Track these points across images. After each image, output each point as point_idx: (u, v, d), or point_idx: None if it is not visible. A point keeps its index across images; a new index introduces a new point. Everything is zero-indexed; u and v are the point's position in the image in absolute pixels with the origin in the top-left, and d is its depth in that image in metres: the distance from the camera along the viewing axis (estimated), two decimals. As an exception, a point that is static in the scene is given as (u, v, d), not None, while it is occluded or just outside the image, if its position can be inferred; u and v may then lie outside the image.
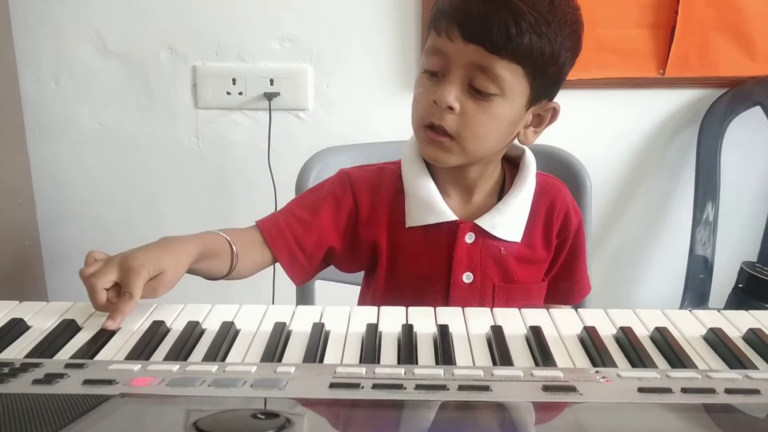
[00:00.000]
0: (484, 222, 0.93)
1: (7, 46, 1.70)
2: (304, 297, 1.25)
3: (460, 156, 0.87)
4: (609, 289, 1.88)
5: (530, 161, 0.97)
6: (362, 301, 1.08)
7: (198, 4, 1.69)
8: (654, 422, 0.50)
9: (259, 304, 0.80)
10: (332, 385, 0.54)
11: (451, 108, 0.83)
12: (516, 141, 0.93)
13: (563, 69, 0.85)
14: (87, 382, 0.54)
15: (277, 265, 0.96)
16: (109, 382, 0.54)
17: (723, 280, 1.69)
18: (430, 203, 0.93)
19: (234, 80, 1.73)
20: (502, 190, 0.97)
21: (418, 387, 0.54)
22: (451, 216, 0.93)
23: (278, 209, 1.00)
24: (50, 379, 0.54)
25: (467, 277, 0.95)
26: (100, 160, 1.82)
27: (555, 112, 0.91)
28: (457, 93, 0.83)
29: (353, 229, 0.97)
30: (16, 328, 0.71)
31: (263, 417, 0.46)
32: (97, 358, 0.66)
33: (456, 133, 0.85)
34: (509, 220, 0.94)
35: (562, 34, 0.81)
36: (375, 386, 0.54)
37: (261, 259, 0.93)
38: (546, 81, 0.85)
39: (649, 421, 0.50)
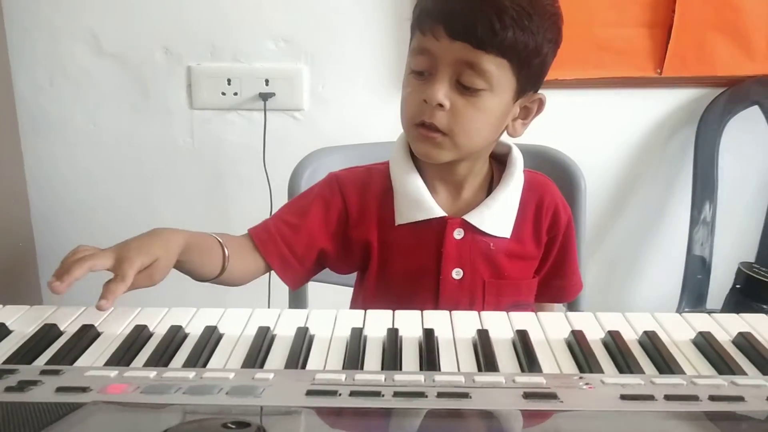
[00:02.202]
0: (473, 217, 0.93)
1: (1, 46, 1.69)
2: (298, 299, 1.25)
3: (453, 151, 0.88)
4: (605, 290, 1.87)
5: (517, 157, 0.97)
6: (354, 300, 1.08)
7: (193, 4, 1.68)
8: (632, 431, 0.49)
9: (244, 308, 0.79)
10: (309, 393, 0.53)
11: (441, 105, 0.84)
12: (505, 134, 0.94)
13: (546, 60, 0.87)
14: (60, 389, 0.53)
15: (272, 268, 0.96)
16: (83, 389, 0.53)
17: (721, 280, 1.68)
18: (419, 200, 0.93)
19: (229, 81, 1.72)
20: (490, 187, 0.97)
21: (396, 394, 0.53)
22: (439, 212, 0.93)
23: (269, 216, 0.99)
24: (23, 386, 0.53)
25: (456, 273, 0.95)
26: (94, 160, 1.81)
27: (541, 103, 0.92)
28: (446, 90, 0.84)
29: (344, 230, 0.97)
30: (-3, 332, 0.71)
31: (234, 426, 0.45)
32: (77, 363, 0.65)
33: (448, 129, 0.85)
34: (498, 216, 0.94)
35: (544, 27, 0.83)
36: (353, 393, 0.53)
37: (254, 265, 0.93)
38: (531, 73, 0.86)
39: (628, 429, 0.49)
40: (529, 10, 0.81)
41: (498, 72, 0.83)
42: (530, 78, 0.87)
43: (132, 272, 0.73)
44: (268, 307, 1.68)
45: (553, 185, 1.01)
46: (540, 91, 0.91)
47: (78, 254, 0.75)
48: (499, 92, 0.85)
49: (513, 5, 0.80)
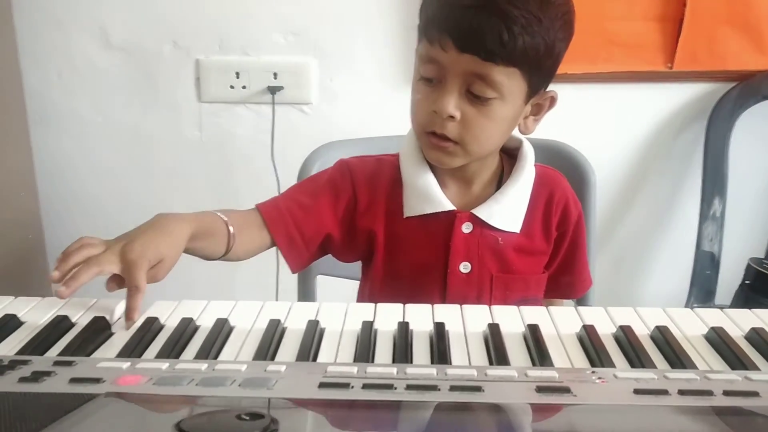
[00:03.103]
0: (481, 211, 0.93)
1: (11, 39, 1.69)
2: (306, 292, 1.25)
3: (465, 158, 0.88)
4: (615, 285, 1.86)
5: (528, 152, 0.96)
6: (361, 292, 1.08)
7: (201, -3, 1.68)
8: (647, 425, 0.49)
9: (255, 301, 0.79)
10: (322, 385, 0.53)
11: (452, 117, 0.83)
12: (516, 130, 0.93)
13: (558, 58, 0.86)
14: (74, 380, 0.53)
15: (281, 260, 0.95)
16: (96, 380, 0.53)
17: (730, 276, 1.67)
18: (428, 193, 0.93)
19: (237, 74, 1.72)
20: (500, 181, 0.96)
21: (409, 387, 0.53)
22: (448, 206, 0.93)
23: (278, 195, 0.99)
24: (37, 377, 0.53)
25: (464, 267, 0.94)
26: (103, 153, 1.82)
27: (553, 100, 0.91)
28: (456, 101, 0.83)
29: (351, 218, 0.97)
30: (9, 324, 0.71)
31: (248, 418, 0.45)
32: (89, 354, 0.65)
33: (459, 139, 0.85)
34: (507, 210, 0.94)
35: (555, 27, 0.81)
36: (365, 386, 0.53)
37: (260, 241, 0.92)
38: (543, 74, 0.85)
39: (643, 424, 0.49)
40: (538, 14, 0.79)
41: (509, 81, 0.82)
42: (542, 79, 0.86)
43: (143, 277, 0.72)
44: (276, 299, 1.69)
45: (564, 180, 1.01)
46: (551, 87, 0.90)
47: (83, 249, 0.73)
48: (511, 99, 0.84)
49: (521, 12, 0.78)
